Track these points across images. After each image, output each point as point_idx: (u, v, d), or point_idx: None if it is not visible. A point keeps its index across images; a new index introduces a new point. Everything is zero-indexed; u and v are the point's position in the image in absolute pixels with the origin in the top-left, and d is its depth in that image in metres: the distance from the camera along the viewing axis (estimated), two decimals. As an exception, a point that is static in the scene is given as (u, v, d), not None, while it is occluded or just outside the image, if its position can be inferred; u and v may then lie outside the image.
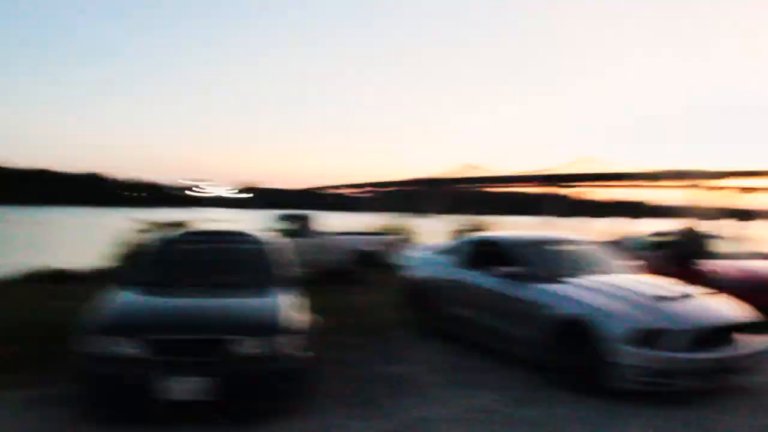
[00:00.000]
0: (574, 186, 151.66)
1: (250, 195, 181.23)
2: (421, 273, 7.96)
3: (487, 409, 5.04)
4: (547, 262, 6.66)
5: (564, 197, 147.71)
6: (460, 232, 19.31)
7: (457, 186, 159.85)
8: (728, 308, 5.83)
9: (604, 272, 6.62)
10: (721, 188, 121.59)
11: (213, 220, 19.02)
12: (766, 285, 9.04)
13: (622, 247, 9.23)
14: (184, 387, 4.27)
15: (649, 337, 5.18)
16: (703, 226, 9.17)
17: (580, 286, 6.06)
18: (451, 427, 4.66)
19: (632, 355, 5.13)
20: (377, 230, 17.45)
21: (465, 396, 5.36)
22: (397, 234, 16.30)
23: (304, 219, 13.28)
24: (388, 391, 5.44)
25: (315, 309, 5.36)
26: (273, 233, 7.78)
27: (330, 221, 17.30)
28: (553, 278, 6.24)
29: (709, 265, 9.15)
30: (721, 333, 5.42)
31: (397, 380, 5.80)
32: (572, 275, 6.33)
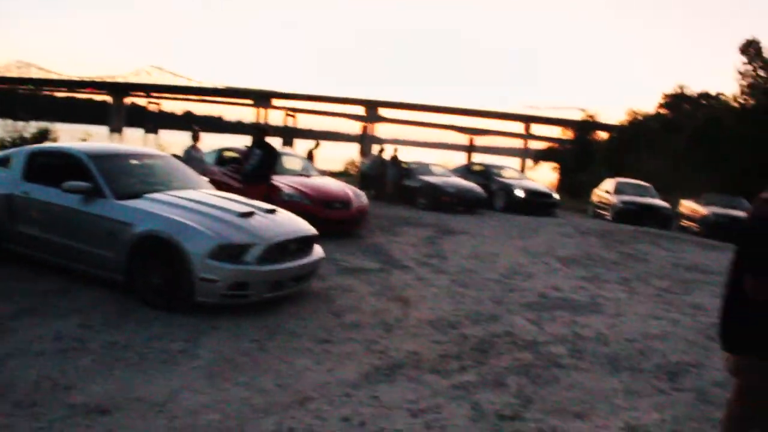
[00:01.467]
0: (142, 96, 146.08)
1: None
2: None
3: (74, 336, 4.71)
4: (121, 176, 6.35)
5: (133, 107, 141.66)
6: (19, 139, 17.17)
7: (8, 86, 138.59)
8: (297, 222, 6.49)
9: (180, 187, 6.61)
10: (283, 108, 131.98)
11: None
12: (329, 199, 10.42)
13: (193, 161, 9.46)
14: None
15: (230, 251, 5.45)
16: (274, 143, 9.90)
17: (158, 201, 5.97)
18: (34, 359, 4.25)
19: (215, 270, 5.34)
20: None
21: (43, 324, 4.90)
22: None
23: None
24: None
25: None
26: None
27: None
28: (130, 194, 6.02)
29: (278, 181, 10.07)
30: (292, 245, 6.03)
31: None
32: (149, 191, 6.20)
